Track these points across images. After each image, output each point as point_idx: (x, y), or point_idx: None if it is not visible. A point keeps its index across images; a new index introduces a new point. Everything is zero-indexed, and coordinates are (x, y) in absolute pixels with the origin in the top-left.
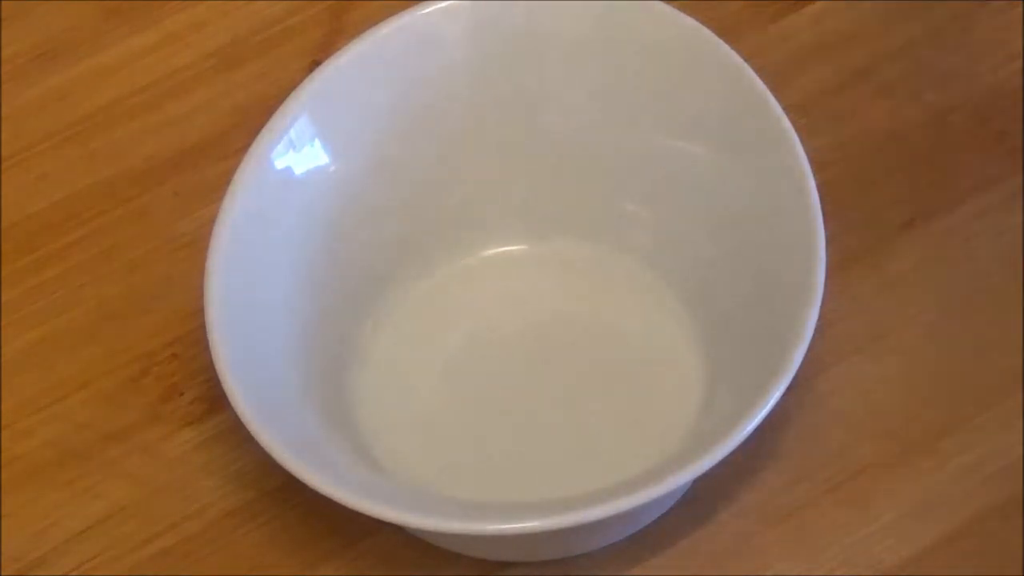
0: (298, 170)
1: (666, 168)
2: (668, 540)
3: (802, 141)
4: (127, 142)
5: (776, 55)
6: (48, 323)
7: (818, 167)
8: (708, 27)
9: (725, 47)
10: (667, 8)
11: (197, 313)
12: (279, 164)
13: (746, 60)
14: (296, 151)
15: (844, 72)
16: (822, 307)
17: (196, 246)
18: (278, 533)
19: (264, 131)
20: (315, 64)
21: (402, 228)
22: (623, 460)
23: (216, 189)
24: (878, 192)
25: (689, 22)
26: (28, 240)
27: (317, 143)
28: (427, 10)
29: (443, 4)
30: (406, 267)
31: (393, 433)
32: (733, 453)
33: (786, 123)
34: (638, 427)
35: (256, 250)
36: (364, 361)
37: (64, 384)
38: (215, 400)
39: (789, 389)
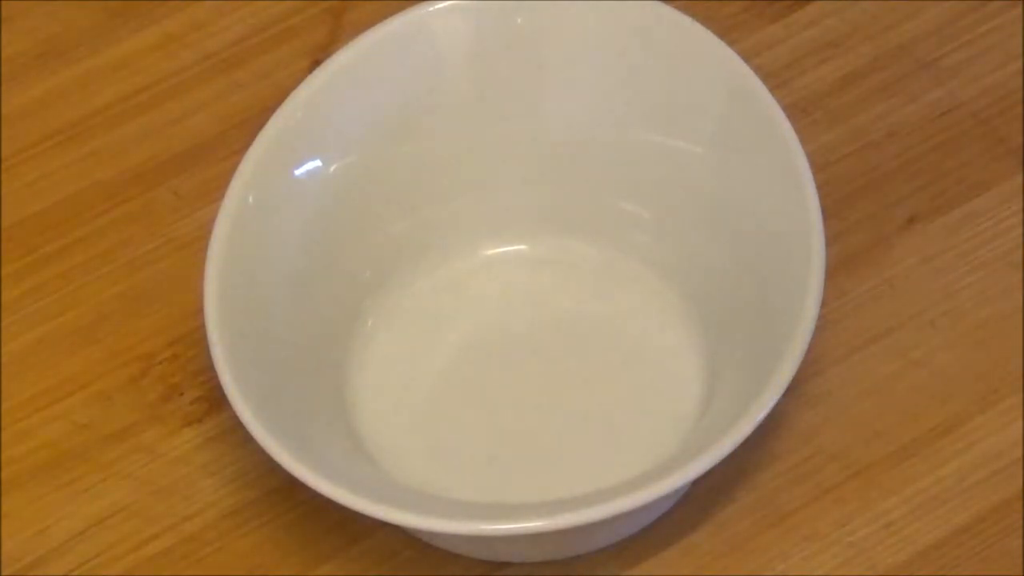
0: (298, 170)
1: (666, 168)
2: (668, 540)
3: (802, 141)
4: (127, 142)
5: (776, 55)
6: (48, 323)
7: (818, 167)
8: (708, 27)
9: (725, 47)
10: (667, 8)
11: (197, 313)
12: (279, 164)
13: (746, 60)
14: (296, 151)
15: (844, 72)
16: (822, 307)
17: (196, 246)
18: (278, 533)
19: (264, 131)
20: (315, 64)
21: (401, 228)
22: (623, 460)
23: (216, 189)
24: (878, 192)
25: (689, 22)
26: (28, 240)
27: (317, 143)
28: (427, 10)
29: (443, 4)
30: (405, 267)
31: (393, 433)
32: (733, 453)
33: (786, 123)
34: (638, 427)
35: (256, 250)
36: (364, 361)
37: (64, 384)
38: (215, 400)
39: (789, 389)
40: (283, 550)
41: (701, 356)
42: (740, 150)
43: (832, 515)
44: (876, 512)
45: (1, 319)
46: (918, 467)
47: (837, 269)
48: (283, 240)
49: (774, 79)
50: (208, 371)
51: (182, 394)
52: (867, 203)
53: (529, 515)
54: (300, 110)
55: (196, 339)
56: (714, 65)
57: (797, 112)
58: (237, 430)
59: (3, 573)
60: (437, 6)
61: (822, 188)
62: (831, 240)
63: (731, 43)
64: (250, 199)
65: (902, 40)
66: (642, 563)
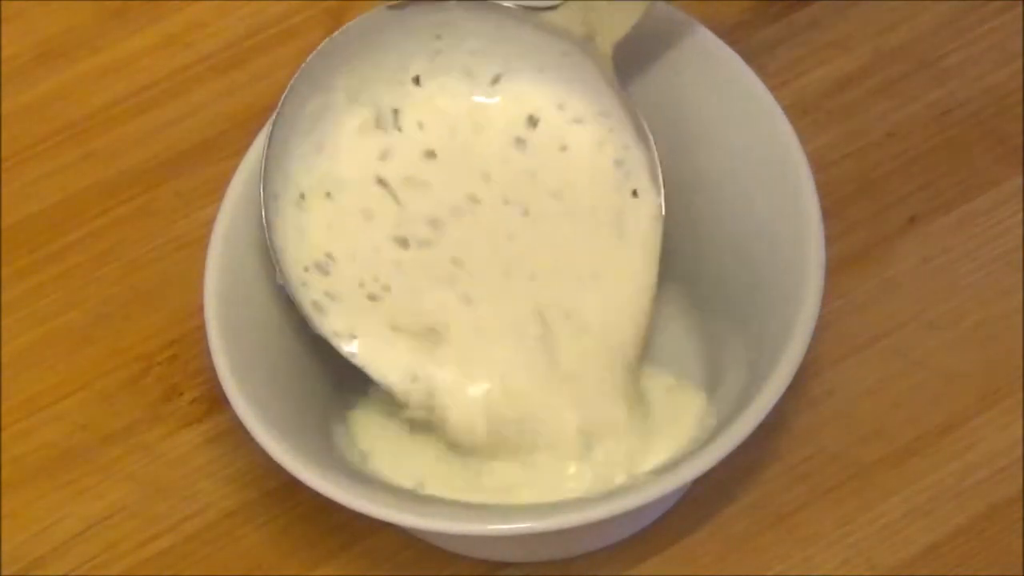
0: None
1: (665, 168)
2: (668, 540)
3: (802, 141)
4: (127, 142)
5: (776, 55)
6: (48, 323)
7: (818, 167)
8: (708, 27)
9: (725, 47)
10: (668, 8)
11: (197, 313)
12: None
13: (746, 60)
14: None
15: (844, 72)
16: (822, 307)
17: (196, 246)
18: (278, 533)
19: (264, 131)
20: None
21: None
22: None
23: (216, 189)
24: (878, 192)
25: (689, 22)
26: (28, 240)
27: None
28: None
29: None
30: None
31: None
32: (733, 453)
33: (786, 123)
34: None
35: (255, 250)
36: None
37: (64, 384)
38: (215, 400)
39: (789, 389)
40: (283, 550)
41: (701, 356)
42: (740, 151)
43: (832, 515)
44: (876, 512)
45: (1, 319)
46: (918, 467)
47: (837, 269)
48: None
49: (774, 79)
50: (208, 371)
51: (182, 394)
52: (867, 203)
53: (529, 515)
54: None
55: (196, 339)
56: (714, 65)
57: (797, 112)
58: (237, 430)
59: (3, 573)
60: None
61: (822, 188)
62: (831, 240)
63: (731, 43)
64: (250, 199)
65: (902, 40)
66: (642, 563)
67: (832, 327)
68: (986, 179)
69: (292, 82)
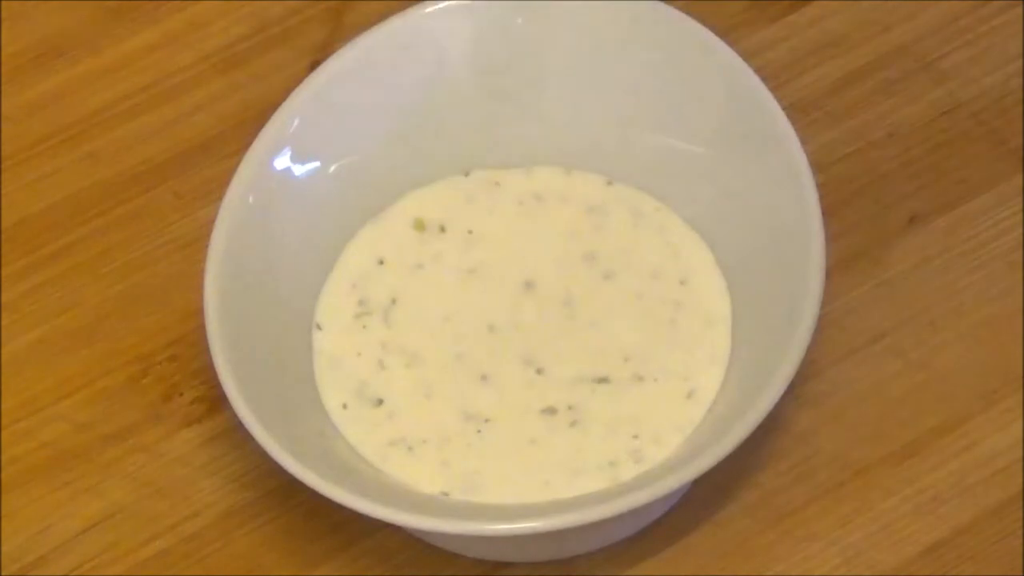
0: (298, 170)
1: (665, 167)
2: (668, 540)
3: (802, 141)
4: (127, 142)
5: (776, 55)
6: (48, 323)
7: (818, 167)
8: (708, 27)
9: (725, 47)
10: (668, 8)
11: (197, 313)
12: (279, 164)
13: (746, 60)
14: (296, 151)
15: (844, 72)
16: (822, 307)
17: (196, 246)
18: (278, 533)
19: (264, 131)
20: (315, 64)
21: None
22: None
23: (216, 189)
24: (878, 192)
25: (689, 22)
26: (28, 240)
27: (316, 143)
28: (427, 10)
29: (443, 4)
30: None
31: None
32: (733, 453)
33: (786, 123)
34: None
35: (255, 250)
36: None
37: (64, 384)
38: (215, 400)
39: (789, 389)
40: (283, 550)
41: None
42: (740, 150)
43: (832, 515)
44: (876, 512)
45: (1, 319)
46: (918, 467)
47: (837, 269)
48: (282, 240)
49: (774, 79)
50: (208, 371)
51: (182, 394)
52: (867, 203)
53: (529, 515)
54: (300, 110)
55: (196, 339)
56: (714, 65)
57: (797, 112)
58: (237, 430)
59: (3, 573)
60: (437, 6)
61: (822, 188)
62: (831, 240)
63: (731, 43)
64: (250, 199)
65: (902, 40)
66: (642, 563)
67: (832, 327)
68: (986, 179)
69: None
